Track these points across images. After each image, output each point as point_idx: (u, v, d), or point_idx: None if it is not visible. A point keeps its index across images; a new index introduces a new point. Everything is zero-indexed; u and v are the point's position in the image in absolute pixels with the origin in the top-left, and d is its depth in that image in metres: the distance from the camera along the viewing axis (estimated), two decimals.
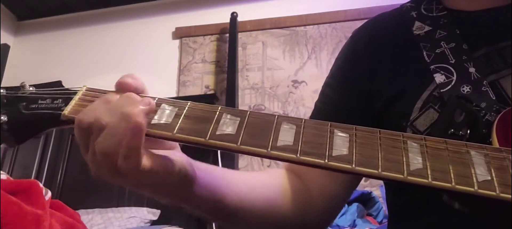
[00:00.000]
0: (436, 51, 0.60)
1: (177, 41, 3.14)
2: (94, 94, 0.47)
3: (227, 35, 2.98)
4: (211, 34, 3.10)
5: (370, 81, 0.65)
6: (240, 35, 2.98)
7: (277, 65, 2.89)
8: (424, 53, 0.61)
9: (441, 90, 0.56)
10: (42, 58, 3.32)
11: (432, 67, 0.59)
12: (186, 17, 3.18)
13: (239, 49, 2.95)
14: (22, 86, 0.49)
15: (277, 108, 2.76)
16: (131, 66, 3.10)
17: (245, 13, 3.01)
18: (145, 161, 0.40)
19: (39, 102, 0.47)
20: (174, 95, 2.93)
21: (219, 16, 3.04)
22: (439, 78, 0.57)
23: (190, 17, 3.16)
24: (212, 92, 2.90)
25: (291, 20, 2.98)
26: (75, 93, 0.47)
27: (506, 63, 0.56)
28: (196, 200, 0.48)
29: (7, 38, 3.37)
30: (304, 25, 2.95)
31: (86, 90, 0.48)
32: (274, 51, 2.94)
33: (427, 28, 0.64)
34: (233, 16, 2.96)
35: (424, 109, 0.58)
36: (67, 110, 0.45)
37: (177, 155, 0.45)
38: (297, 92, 2.77)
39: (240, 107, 2.74)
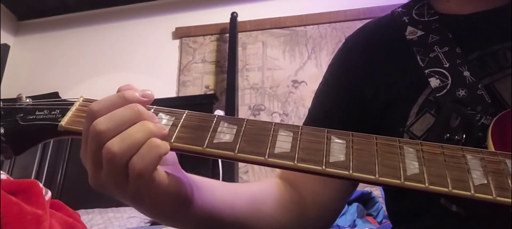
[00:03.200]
0: (430, 55, 0.60)
1: (177, 41, 3.15)
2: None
3: (227, 35, 2.98)
4: (211, 34, 3.10)
5: (365, 87, 0.65)
6: (240, 35, 2.98)
7: (277, 65, 2.89)
8: (418, 57, 0.61)
9: (437, 95, 0.56)
10: (42, 58, 3.33)
11: (426, 71, 0.59)
12: (186, 17, 3.18)
13: (239, 49, 2.95)
14: (19, 98, 0.49)
15: (277, 108, 2.76)
16: (131, 66, 3.11)
17: (245, 13, 3.01)
18: (158, 174, 0.40)
19: (37, 113, 0.47)
20: (174, 95, 2.94)
21: (219, 16, 3.04)
22: (434, 82, 0.57)
23: (190, 17, 3.17)
24: (212, 92, 2.90)
25: (291, 20, 2.98)
26: (72, 104, 0.47)
27: (500, 66, 0.56)
28: (191, 220, 0.47)
29: (7, 38, 3.37)
30: (304, 25, 2.96)
31: (83, 101, 0.47)
32: (274, 51, 2.94)
33: (419, 33, 0.64)
34: (233, 16, 2.97)
35: (420, 114, 0.58)
36: (64, 121, 0.45)
37: (180, 174, 0.45)
38: (297, 92, 2.77)
39: (240, 107, 2.75)
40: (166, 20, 3.21)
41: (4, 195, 1.11)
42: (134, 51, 3.16)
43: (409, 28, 0.66)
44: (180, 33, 3.14)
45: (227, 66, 2.83)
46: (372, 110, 0.64)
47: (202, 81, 2.97)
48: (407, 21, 0.67)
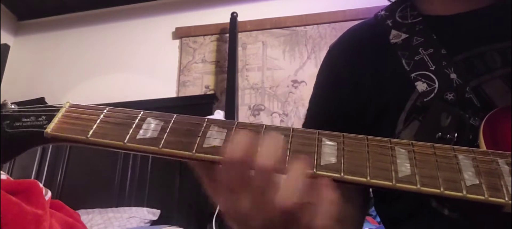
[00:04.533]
0: (415, 58, 0.59)
1: (177, 41, 3.14)
2: (77, 110, 0.47)
3: (227, 35, 2.97)
4: (211, 34, 3.10)
5: (353, 98, 0.64)
6: (240, 35, 2.97)
7: (277, 65, 2.89)
8: (403, 61, 0.59)
9: (425, 99, 0.55)
10: (42, 58, 3.32)
11: (412, 75, 0.57)
12: (186, 17, 3.18)
13: (239, 49, 2.95)
14: (3, 104, 0.48)
15: (277, 108, 2.76)
16: (131, 66, 3.11)
17: (245, 13, 3.01)
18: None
19: (23, 120, 0.46)
20: (174, 95, 2.94)
21: (219, 16, 3.04)
22: (420, 86, 0.56)
23: (190, 17, 3.16)
24: (212, 92, 2.90)
25: (291, 20, 2.98)
26: (58, 109, 0.47)
27: (487, 68, 0.55)
28: None
29: (7, 38, 3.37)
30: (304, 25, 2.95)
31: (69, 107, 0.47)
32: (274, 51, 2.94)
33: (404, 36, 0.63)
34: (233, 16, 2.96)
35: (408, 121, 0.57)
36: (49, 128, 0.44)
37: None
38: (297, 92, 2.77)
39: (240, 107, 2.74)
40: (166, 20, 3.20)
41: (4, 195, 1.12)
42: (134, 51, 3.16)
43: (393, 32, 0.64)
44: (180, 33, 3.14)
45: (227, 66, 2.83)
46: (363, 119, 0.62)
47: (202, 81, 2.96)
48: (391, 24, 0.66)
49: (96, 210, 2.29)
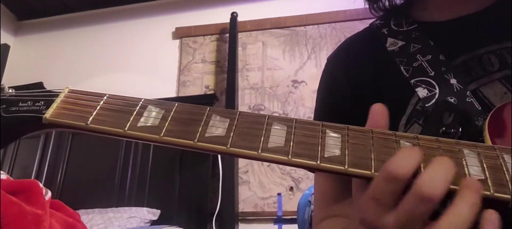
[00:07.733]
0: (414, 65, 0.59)
1: (177, 41, 3.14)
2: (76, 96, 0.45)
3: (227, 35, 2.98)
4: (211, 34, 3.10)
5: (355, 107, 0.64)
6: (240, 35, 2.98)
7: (277, 65, 2.89)
8: (402, 68, 0.60)
9: (426, 105, 0.55)
10: (42, 58, 3.32)
11: (412, 81, 0.58)
12: (186, 17, 3.18)
13: (239, 49, 2.95)
14: (1, 88, 0.47)
15: (277, 108, 2.76)
16: (131, 66, 3.11)
17: (245, 13, 3.01)
18: None
19: (20, 104, 0.45)
20: (174, 95, 2.94)
21: (219, 16, 3.04)
22: (421, 92, 0.56)
23: (190, 17, 3.16)
24: (212, 92, 2.90)
25: (291, 20, 2.98)
26: (57, 95, 0.45)
27: (485, 71, 0.55)
28: None
29: (7, 38, 3.37)
30: (304, 25, 2.95)
31: (68, 92, 0.46)
32: (274, 51, 2.94)
33: (400, 43, 0.63)
34: (233, 16, 2.96)
35: (409, 125, 0.57)
36: (48, 114, 0.43)
37: None
38: (297, 92, 2.77)
39: (240, 107, 2.74)
40: (166, 20, 3.20)
41: (4, 195, 1.12)
42: (134, 51, 3.16)
43: (390, 40, 0.65)
44: (180, 33, 3.14)
45: (227, 66, 2.83)
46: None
47: (202, 81, 2.96)
48: (386, 32, 0.66)
49: (96, 210, 2.29)
